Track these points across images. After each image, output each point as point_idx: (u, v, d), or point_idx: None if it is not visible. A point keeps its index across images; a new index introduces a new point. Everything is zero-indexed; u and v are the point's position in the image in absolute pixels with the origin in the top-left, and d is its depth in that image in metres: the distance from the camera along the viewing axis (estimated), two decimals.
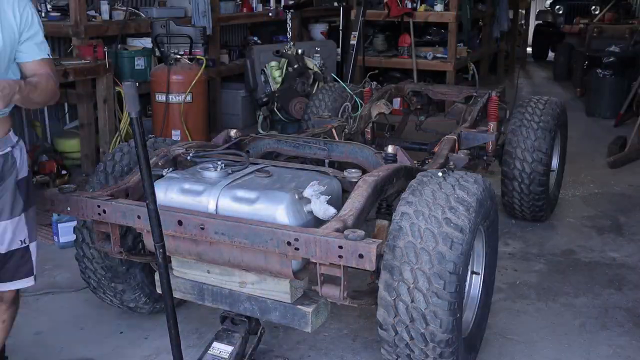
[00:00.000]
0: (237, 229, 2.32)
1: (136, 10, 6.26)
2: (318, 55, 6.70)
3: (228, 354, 2.59)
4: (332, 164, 3.53)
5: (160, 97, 5.52)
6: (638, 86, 7.59)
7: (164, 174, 2.84)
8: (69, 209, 2.64)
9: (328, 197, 2.49)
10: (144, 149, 2.15)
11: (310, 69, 6.41)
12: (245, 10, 7.63)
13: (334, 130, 4.05)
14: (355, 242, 2.22)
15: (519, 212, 4.55)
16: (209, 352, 2.62)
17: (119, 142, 5.45)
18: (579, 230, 4.59)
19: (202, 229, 2.37)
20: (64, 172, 5.29)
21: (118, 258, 2.89)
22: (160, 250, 2.16)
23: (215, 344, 2.64)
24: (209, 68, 6.31)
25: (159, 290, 2.80)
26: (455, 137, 3.79)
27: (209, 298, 2.68)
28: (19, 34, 2.29)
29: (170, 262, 2.71)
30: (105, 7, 5.91)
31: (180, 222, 2.41)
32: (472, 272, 2.86)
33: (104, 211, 2.60)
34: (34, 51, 2.35)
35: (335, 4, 8.28)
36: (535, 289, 3.69)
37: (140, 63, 5.95)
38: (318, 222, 2.48)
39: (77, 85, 5.45)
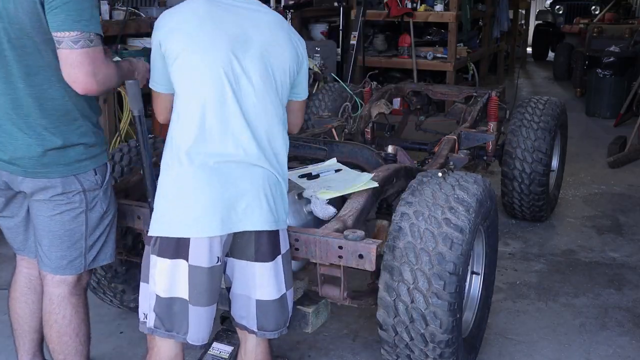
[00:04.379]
0: None
1: (136, 10, 6.26)
2: (318, 55, 6.68)
3: (228, 354, 2.59)
4: None
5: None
6: (638, 86, 7.59)
7: None
8: None
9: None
10: (146, 147, 2.15)
11: (310, 69, 6.41)
12: None
13: (334, 130, 4.05)
14: (355, 242, 2.22)
15: (519, 212, 4.55)
16: (209, 352, 2.62)
17: (119, 142, 5.45)
18: (579, 230, 4.59)
19: None
20: None
21: (118, 258, 2.89)
22: None
23: (215, 344, 2.63)
24: None
25: None
26: (455, 137, 3.79)
27: None
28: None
29: None
30: (105, 7, 5.90)
31: None
32: (472, 272, 2.86)
33: None
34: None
35: (335, 4, 8.26)
36: (535, 289, 3.69)
37: None
38: (318, 222, 2.48)
39: None
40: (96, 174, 2.34)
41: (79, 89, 2.12)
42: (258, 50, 2.09)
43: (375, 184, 2.63)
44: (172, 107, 2.17)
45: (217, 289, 2.10)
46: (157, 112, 2.28)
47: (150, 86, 2.23)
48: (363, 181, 2.63)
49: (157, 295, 2.05)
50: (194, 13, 2.08)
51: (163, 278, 2.04)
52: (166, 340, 2.15)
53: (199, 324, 2.07)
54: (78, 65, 2.07)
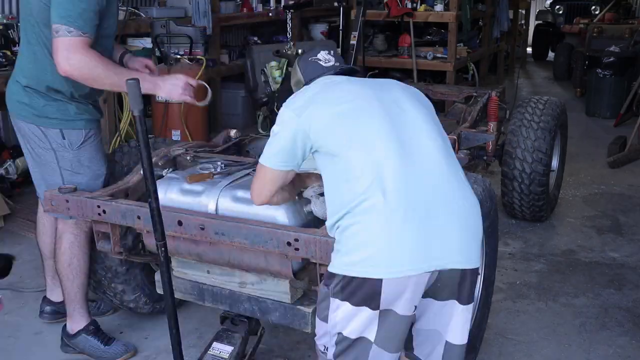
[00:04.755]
0: (237, 230, 2.32)
1: (136, 10, 6.26)
2: None
3: (228, 354, 2.59)
4: None
5: (160, 97, 5.51)
6: (638, 86, 7.59)
7: (164, 174, 2.85)
8: (69, 209, 2.64)
9: None
10: (146, 147, 2.15)
11: None
12: (245, 10, 7.62)
13: None
14: None
15: (519, 212, 4.55)
16: (209, 352, 2.62)
17: (119, 142, 5.45)
18: (579, 230, 4.59)
19: (202, 229, 2.37)
20: None
21: (118, 258, 2.89)
22: (163, 249, 2.16)
23: (215, 344, 2.64)
24: (209, 68, 6.31)
25: (159, 291, 2.80)
26: (455, 137, 3.78)
27: (209, 298, 2.68)
28: None
29: (170, 262, 2.71)
30: None
31: (180, 223, 2.41)
32: None
33: (104, 211, 2.60)
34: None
35: (335, 4, 8.26)
36: (535, 289, 3.69)
37: None
38: (318, 222, 2.47)
39: None
40: (64, 138, 2.74)
41: (59, 69, 2.55)
42: (404, 94, 2.11)
43: None
44: (281, 186, 2.17)
45: (405, 335, 1.97)
46: (263, 191, 2.18)
47: (271, 166, 2.11)
48: None
49: (340, 333, 1.93)
50: (330, 90, 2.09)
51: (349, 322, 1.90)
52: None
53: None
54: (56, 50, 2.52)
